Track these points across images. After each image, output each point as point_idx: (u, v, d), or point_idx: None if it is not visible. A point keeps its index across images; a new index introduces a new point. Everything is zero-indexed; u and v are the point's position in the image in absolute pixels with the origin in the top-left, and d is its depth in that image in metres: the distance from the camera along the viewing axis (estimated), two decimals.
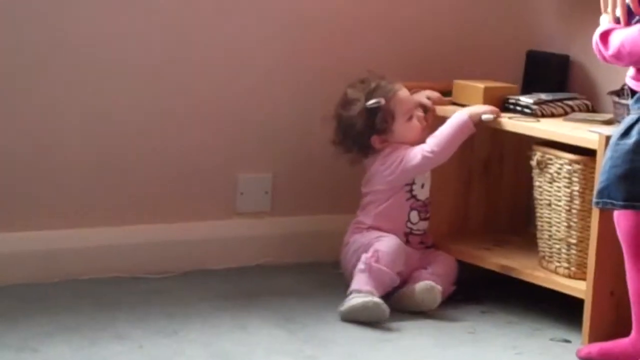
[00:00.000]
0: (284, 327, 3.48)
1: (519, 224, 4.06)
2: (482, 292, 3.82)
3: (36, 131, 3.71)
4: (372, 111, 3.73)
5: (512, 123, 3.70)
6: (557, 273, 3.61)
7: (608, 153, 3.10)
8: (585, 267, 3.47)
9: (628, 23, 3.10)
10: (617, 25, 3.09)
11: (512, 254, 3.82)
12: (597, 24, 3.86)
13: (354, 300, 3.54)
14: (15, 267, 3.67)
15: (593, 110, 3.86)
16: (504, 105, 3.79)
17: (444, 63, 3.94)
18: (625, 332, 3.38)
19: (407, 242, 3.77)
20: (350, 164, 3.86)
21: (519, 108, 3.75)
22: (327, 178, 4.09)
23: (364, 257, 3.62)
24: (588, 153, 3.47)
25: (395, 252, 3.65)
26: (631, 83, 3.10)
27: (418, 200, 3.79)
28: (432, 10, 4.14)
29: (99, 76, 3.77)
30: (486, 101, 3.79)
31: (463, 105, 3.82)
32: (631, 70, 3.12)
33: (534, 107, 3.73)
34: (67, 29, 3.71)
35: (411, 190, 3.79)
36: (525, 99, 3.76)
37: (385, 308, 3.54)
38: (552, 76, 4.00)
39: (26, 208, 3.72)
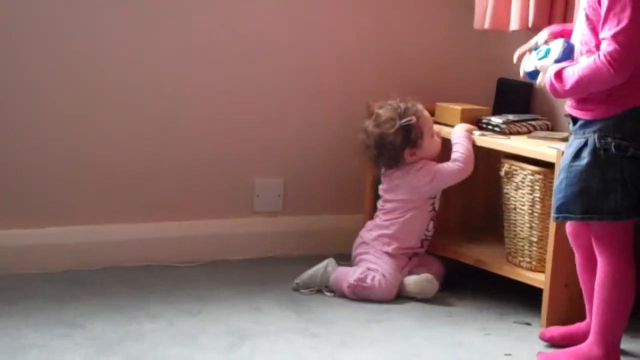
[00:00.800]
0: (293, 309, 3.47)
1: (489, 225, 4.00)
2: (459, 282, 3.78)
3: (82, 142, 3.72)
4: (406, 128, 3.67)
5: (485, 139, 3.68)
6: (520, 266, 3.59)
7: (562, 174, 3.00)
8: (544, 262, 3.44)
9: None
10: (565, 64, 2.99)
11: (484, 250, 3.78)
12: None
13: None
14: (65, 256, 3.69)
15: (552, 129, 3.80)
16: (478, 125, 3.76)
17: (429, 89, 3.90)
18: (577, 317, 3.34)
19: (421, 246, 3.76)
20: (373, 172, 3.84)
21: (490, 127, 3.72)
22: (330, 183, 4.07)
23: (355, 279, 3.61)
24: (548, 165, 3.44)
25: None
26: (574, 112, 3.01)
27: (435, 211, 3.77)
28: (420, 47, 4.10)
29: (128, 93, 3.76)
30: (463, 120, 3.76)
31: (444, 124, 3.80)
32: (571, 100, 3.03)
33: (503, 126, 3.70)
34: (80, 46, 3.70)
35: (433, 203, 3.75)
36: (496, 119, 3.74)
37: (331, 270, 3.61)
38: (519, 100, 3.96)
39: (74, 206, 3.73)
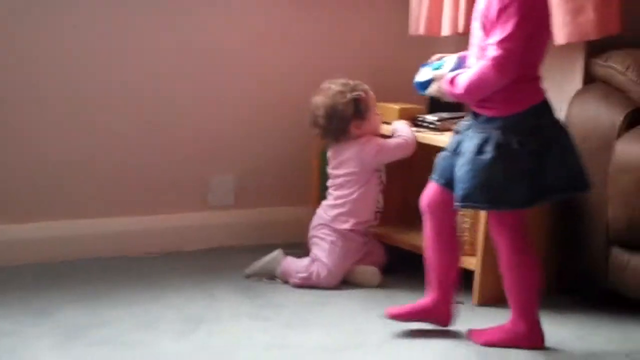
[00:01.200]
0: (246, 294, 3.49)
1: None
2: (397, 266, 3.81)
3: (48, 142, 3.71)
4: (356, 101, 3.67)
5: (421, 135, 3.72)
6: None
7: (466, 166, 3.00)
8: (476, 246, 3.50)
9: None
10: (459, 71, 3.04)
11: (420, 236, 3.62)
12: None
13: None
14: (33, 249, 3.69)
15: None
16: (414, 122, 3.79)
17: (371, 90, 3.85)
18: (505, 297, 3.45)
19: (375, 219, 3.75)
20: (321, 145, 3.83)
21: (425, 124, 3.76)
22: (277, 180, 4.08)
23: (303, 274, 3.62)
24: None
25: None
26: (477, 110, 3.04)
27: (383, 184, 3.77)
28: (361, 53, 4.13)
29: (94, 99, 3.76)
30: (401, 117, 3.81)
31: (384, 122, 3.82)
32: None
33: (437, 123, 3.74)
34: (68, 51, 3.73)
35: (380, 176, 3.75)
36: (431, 117, 3.78)
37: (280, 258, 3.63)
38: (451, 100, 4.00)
39: (40, 202, 3.73)
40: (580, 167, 3.03)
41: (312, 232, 3.75)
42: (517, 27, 2.87)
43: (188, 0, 3.82)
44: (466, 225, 3.61)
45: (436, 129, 3.75)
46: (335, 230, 3.70)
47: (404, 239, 3.83)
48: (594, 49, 3.59)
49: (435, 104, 3.98)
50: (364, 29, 4.19)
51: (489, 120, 3.00)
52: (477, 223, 3.52)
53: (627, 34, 3.55)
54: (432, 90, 3.14)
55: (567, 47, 3.57)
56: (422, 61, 4.12)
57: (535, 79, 3.00)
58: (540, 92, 3.01)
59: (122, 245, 3.83)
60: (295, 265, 3.64)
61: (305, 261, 3.66)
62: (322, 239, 3.71)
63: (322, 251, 3.68)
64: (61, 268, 3.66)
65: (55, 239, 3.74)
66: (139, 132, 3.85)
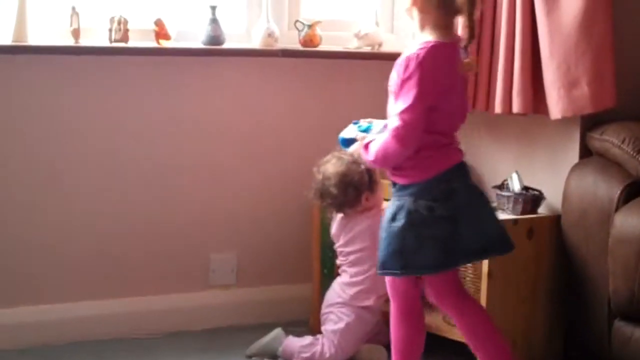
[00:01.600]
0: None
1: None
2: None
3: (44, 225, 3.72)
4: (369, 172, 3.62)
5: None
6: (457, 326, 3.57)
7: (383, 234, 3.04)
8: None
9: None
10: (374, 136, 3.08)
11: (429, 315, 3.71)
12: (482, 136, 3.98)
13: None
14: (36, 332, 3.68)
15: None
16: None
17: None
18: None
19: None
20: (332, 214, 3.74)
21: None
22: (280, 257, 4.07)
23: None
24: None
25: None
26: (393, 178, 3.07)
27: None
28: (347, 115, 4.16)
29: (84, 177, 3.77)
30: None
31: None
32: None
33: None
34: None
35: None
36: None
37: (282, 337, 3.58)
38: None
39: (41, 285, 3.73)
40: (499, 228, 3.07)
41: (328, 309, 3.68)
42: (417, 99, 2.92)
43: (185, 77, 3.84)
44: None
45: None
46: (354, 310, 3.63)
47: None
48: (590, 123, 3.63)
49: None
50: (362, 108, 4.19)
51: (403, 187, 3.04)
52: (478, 298, 3.49)
53: (622, 108, 3.59)
54: (352, 149, 3.20)
55: (563, 121, 3.61)
56: None
57: (446, 145, 3.04)
58: (451, 157, 3.04)
59: (124, 327, 3.82)
60: (298, 345, 3.61)
61: (307, 340, 3.63)
62: (339, 317, 3.64)
63: (335, 329, 3.62)
64: (65, 351, 3.64)
65: (58, 322, 3.73)
66: (140, 212, 3.86)
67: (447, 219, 2.99)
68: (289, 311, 3.97)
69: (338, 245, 3.74)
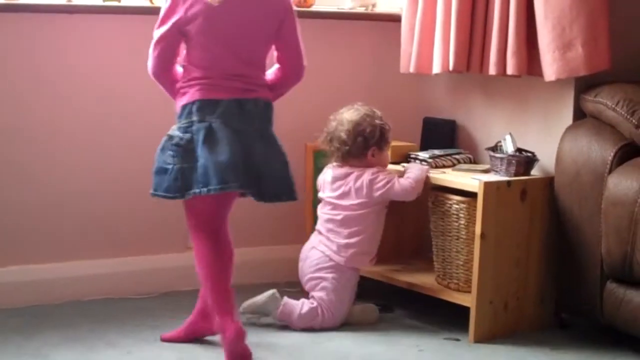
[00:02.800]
0: None
1: (420, 250, 4.03)
2: (393, 303, 3.81)
3: (42, 184, 3.70)
4: (382, 130, 3.60)
5: None
6: (449, 288, 3.61)
7: None
8: (470, 283, 3.49)
9: None
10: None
11: (415, 273, 3.80)
12: (476, 97, 3.97)
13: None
14: (29, 292, 3.67)
15: (474, 162, 3.86)
16: (407, 159, 3.80)
17: None
18: (502, 331, 3.43)
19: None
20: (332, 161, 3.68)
21: (418, 161, 3.77)
22: (273, 218, 4.04)
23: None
24: (471, 195, 3.50)
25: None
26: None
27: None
28: (354, 92, 4.04)
29: (89, 140, 3.76)
30: (393, 156, 3.79)
31: None
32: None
33: (430, 160, 3.74)
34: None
35: (387, 206, 3.67)
36: (423, 154, 3.78)
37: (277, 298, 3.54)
38: (443, 136, 4.00)
39: (39, 244, 3.72)
40: (222, 165, 3.10)
41: (317, 274, 3.62)
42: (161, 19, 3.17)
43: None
44: (460, 262, 3.60)
45: (429, 166, 3.75)
46: (345, 272, 3.60)
47: (399, 276, 3.80)
48: (584, 85, 3.61)
49: (428, 141, 4.01)
50: (355, 68, 4.20)
51: None
52: (471, 259, 3.51)
53: (616, 70, 3.57)
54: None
55: (557, 83, 3.59)
56: (413, 98, 4.14)
57: (190, 83, 3.17)
58: (202, 93, 3.14)
59: (118, 287, 3.81)
60: (296, 314, 3.55)
61: (305, 308, 3.57)
62: (332, 284, 3.59)
63: (332, 298, 3.57)
64: (56, 310, 3.63)
65: (50, 282, 3.71)
66: (134, 171, 3.82)
67: (181, 149, 3.13)
68: (282, 272, 3.96)
69: (329, 196, 3.66)
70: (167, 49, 3.18)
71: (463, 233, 3.57)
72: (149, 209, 3.81)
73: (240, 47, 3.17)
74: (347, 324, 3.61)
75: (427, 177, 3.64)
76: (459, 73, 3.84)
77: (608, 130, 3.47)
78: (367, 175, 3.59)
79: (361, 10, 4.16)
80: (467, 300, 3.50)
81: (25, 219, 3.70)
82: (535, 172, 3.64)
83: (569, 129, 3.57)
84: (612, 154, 3.39)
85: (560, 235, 3.55)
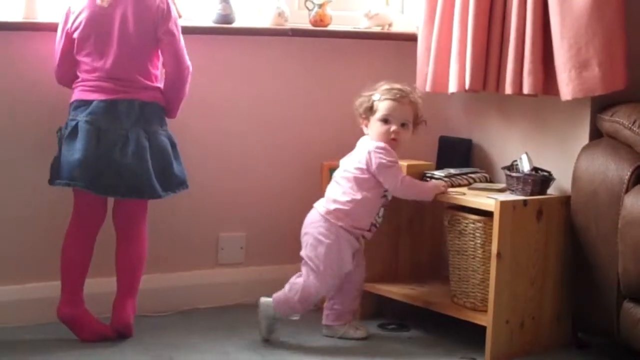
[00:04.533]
0: (259, 352, 3.49)
1: (436, 269, 4.02)
2: (409, 322, 3.82)
3: (55, 203, 3.68)
4: (370, 101, 3.64)
5: None
6: (465, 307, 3.61)
7: None
8: (487, 302, 3.48)
9: None
10: None
11: (432, 292, 3.80)
12: (492, 116, 3.97)
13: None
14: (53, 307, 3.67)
15: (490, 181, 3.86)
16: (423, 178, 3.78)
17: None
18: (518, 351, 3.43)
19: (369, 230, 3.63)
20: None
21: (434, 180, 3.75)
22: (288, 236, 3.99)
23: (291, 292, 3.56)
24: (487, 214, 3.50)
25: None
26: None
27: (387, 200, 3.65)
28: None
29: None
30: (409, 174, 3.72)
31: None
32: None
33: (446, 179, 3.73)
34: None
35: (386, 191, 3.63)
36: (439, 173, 3.77)
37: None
38: (459, 155, 4.01)
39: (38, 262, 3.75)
40: (73, 163, 3.39)
41: (305, 230, 3.64)
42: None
43: (195, 55, 3.78)
44: (476, 281, 3.60)
45: (446, 188, 3.74)
46: (334, 230, 3.57)
47: (415, 294, 3.81)
48: (600, 104, 3.62)
49: (444, 160, 4.01)
50: (369, 81, 4.19)
51: None
52: (487, 278, 3.52)
53: (633, 89, 3.58)
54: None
55: (573, 102, 3.60)
56: (429, 117, 4.14)
57: (76, 85, 3.49)
58: (82, 93, 3.45)
59: (139, 302, 3.78)
60: (283, 296, 3.59)
61: (287, 286, 3.60)
62: (317, 240, 3.58)
63: (317, 253, 3.57)
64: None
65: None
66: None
67: (59, 142, 3.47)
68: None
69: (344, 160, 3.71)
70: (62, 56, 3.51)
71: (479, 252, 3.58)
72: (167, 225, 3.83)
73: (119, 52, 3.44)
74: (356, 345, 3.61)
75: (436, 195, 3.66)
76: (475, 92, 3.84)
77: (624, 149, 3.48)
78: (372, 146, 3.60)
79: (377, 29, 4.18)
80: (484, 319, 3.50)
81: (38, 235, 3.70)
82: (551, 192, 3.64)
83: (585, 148, 3.58)
84: (628, 174, 3.39)
85: (576, 254, 3.55)
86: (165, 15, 3.48)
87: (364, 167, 3.59)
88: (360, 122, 3.69)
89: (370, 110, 3.64)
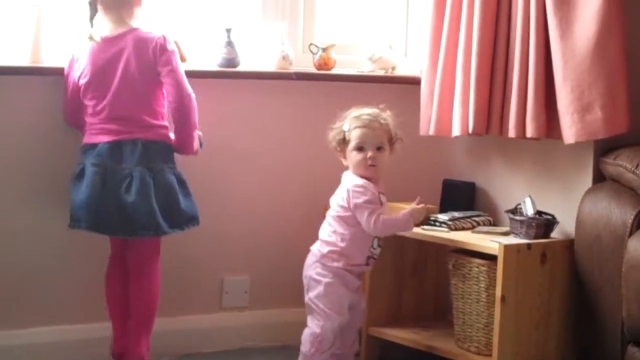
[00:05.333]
0: None
1: (440, 313, 4.02)
2: None
3: (60, 248, 3.74)
4: (341, 133, 3.60)
5: (433, 235, 3.71)
6: (469, 351, 3.61)
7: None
8: (491, 346, 3.48)
9: None
10: None
11: (435, 336, 3.78)
12: (496, 160, 3.98)
13: None
14: (57, 353, 3.70)
15: (494, 224, 3.86)
16: (427, 222, 3.77)
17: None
18: None
19: (367, 265, 3.59)
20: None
21: (437, 224, 3.77)
22: (292, 280, 3.93)
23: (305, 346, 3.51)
24: (491, 258, 3.50)
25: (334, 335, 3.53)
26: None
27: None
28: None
29: None
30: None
31: None
32: None
33: (449, 222, 3.75)
34: None
35: None
36: (443, 217, 3.79)
37: None
38: (463, 199, 4.00)
39: (62, 305, 3.75)
40: (78, 204, 3.46)
41: (305, 272, 3.62)
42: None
43: (200, 99, 3.77)
44: (480, 325, 3.60)
45: (448, 228, 3.77)
46: (330, 270, 3.55)
47: (419, 339, 3.80)
48: (603, 148, 3.63)
49: (448, 203, 4.02)
50: None
51: None
52: (491, 322, 3.51)
53: (636, 132, 3.60)
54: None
55: (576, 145, 3.61)
56: (432, 161, 4.13)
57: (91, 125, 3.54)
58: (89, 137, 3.53)
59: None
60: (303, 357, 3.55)
61: (301, 347, 3.55)
62: (317, 281, 3.56)
63: (316, 294, 3.55)
64: None
65: (72, 342, 3.73)
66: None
67: (72, 184, 3.51)
68: (299, 334, 3.92)
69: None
70: (70, 102, 3.59)
71: (483, 296, 3.57)
72: (171, 269, 3.84)
73: (121, 93, 3.50)
74: None
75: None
76: (479, 135, 3.86)
77: (628, 193, 3.49)
78: (351, 184, 3.56)
79: (381, 73, 4.20)
80: None
81: (45, 279, 3.72)
82: (555, 235, 3.65)
83: (588, 191, 3.58)
84: (632, 217, 3.39)
85: (580, 298, 3.55)
86: (163, 49, 3.52)
87: (346, 205, 3.55)
88: (337, 155, 3.64)
89: (344, 141, 3.59)
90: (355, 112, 3.62)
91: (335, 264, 3.56)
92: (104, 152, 3.47)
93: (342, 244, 3.55)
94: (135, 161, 3.47)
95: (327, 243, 3.59)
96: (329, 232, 3.60)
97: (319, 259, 3.58)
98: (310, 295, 3.58)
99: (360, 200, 3.53)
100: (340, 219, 3.57)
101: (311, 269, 3.60)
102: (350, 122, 3.59)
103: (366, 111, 3.61)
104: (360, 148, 3.56)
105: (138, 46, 3.51)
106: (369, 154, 3.55)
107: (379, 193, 3.58)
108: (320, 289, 3.55)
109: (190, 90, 3.58)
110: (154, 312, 3.58)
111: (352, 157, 3.58)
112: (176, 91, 3.54)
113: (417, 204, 3.62)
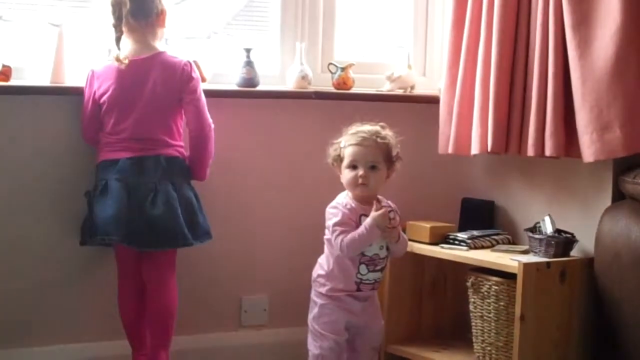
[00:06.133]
0: None
1: (459, 332, 3.98)
2: None
3: (73, 263, 3.76)
4: (338, 149, 3.55)
5: (452, 253, 3.73)
6: None
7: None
8: None
9: None
10: None
11: (455, 355, 3.80)
12: (515, 178, 3.98)
13: None
14: None
15: (513, 242, 3.88)
16: (446, 240, 3.81)
17: (401, 209, 3.62)
18: None
19: (358, 289, 3.47)
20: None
21: (457, 242, 3.79)
22: (308, 299, 3.80)
23: None
24: (510, 276, 3.51)
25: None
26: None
27: (365, 255, 3.47)
28: (397, 175, 3.76)
29: None
30: (432, 237, 3.81)
31: (415, 241, 3.81)
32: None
33: (468, 241, 3.77)
34: None
35: None
36: (462, 235, 3.81)
37: None
38: (482, 217, 4.02)
39: (76, 324, 3.78)
40: (107, 219, 3.48)
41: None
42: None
43: (220, 118, 3.80)
44: (500, 344, 3.62)
45: (467, 247, 3.77)
46: (318, 294, 3.53)
47: (438, 358, 3.81)
48: (622, 166, 3.64)
49: (467, 221, 4.02)
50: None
51: None
52: (510, 341, 3.52)
53: None
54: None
55: (595, 164, 3.62)
56: (451, 179, 4.14)
57: (108, 143, 3.58)
58: (106, 154, 3.57)
59: None
60: None
61: None
62: (313, 302, 3.55)
63: (311, 316, 3.53)
64: None
65: None
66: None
67: (89, 201, 3.55)
68: None
69: None
70: (89, 119, 3.62)
71: (503, 314, 3.58)
72: (190, 288, 3.85)
73: (144, 114, 3.55)
74: None
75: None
76: (498, 154, 3.87)
77: None
78: (329, 206, 3.54)
79: (400, 92, 4.22)
80: None
81: (50, 297, 3.73)
82: (574, 253, 3.65)
83: (608, 210, 3.59)
84: None
85: (600, 316, 3.55)
86: (189, 77, 3.60)
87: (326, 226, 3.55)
88: (336, 172, 3.59)
89: (339, 158, 3.55)
90: (353, 128, 3.57)
91: (322, 289, 3.52)
92: (127, 168, 3.52)
93: (327, 269, 3.51)
94: (159, 175, 3.53)
95: (320, 266, 3.57)
96: (323, 255, 3.58)
97: (312, 282, 3.59)
98: (309, 317, 3.58)
99: (330, 222, 3.50)
100: (327, 241, 3.55)
101: (312, 290, 3.60)
102: (347, 139, 3.54)
103: (364, 128, 3.55)
104: (353, 166, 3.50)
105: (165, 70, 3.57)
106: (360, 172, 3.48)
107: (360, 215, 3.49)
108: (315, 310, 3.55)
109: (210, 120, 3.65)
110: (172, 325, 3.60)
111: (345, 174, 3.52)
112: (198, 120, 3.62)
113: (376, 210, 3.46)
